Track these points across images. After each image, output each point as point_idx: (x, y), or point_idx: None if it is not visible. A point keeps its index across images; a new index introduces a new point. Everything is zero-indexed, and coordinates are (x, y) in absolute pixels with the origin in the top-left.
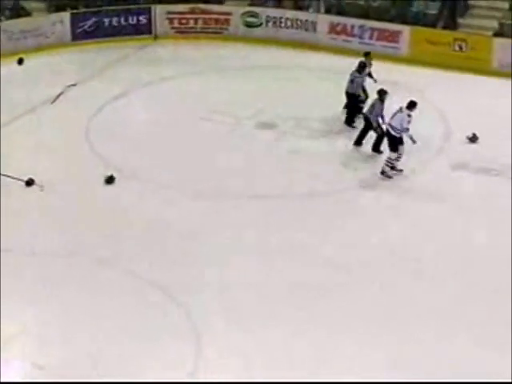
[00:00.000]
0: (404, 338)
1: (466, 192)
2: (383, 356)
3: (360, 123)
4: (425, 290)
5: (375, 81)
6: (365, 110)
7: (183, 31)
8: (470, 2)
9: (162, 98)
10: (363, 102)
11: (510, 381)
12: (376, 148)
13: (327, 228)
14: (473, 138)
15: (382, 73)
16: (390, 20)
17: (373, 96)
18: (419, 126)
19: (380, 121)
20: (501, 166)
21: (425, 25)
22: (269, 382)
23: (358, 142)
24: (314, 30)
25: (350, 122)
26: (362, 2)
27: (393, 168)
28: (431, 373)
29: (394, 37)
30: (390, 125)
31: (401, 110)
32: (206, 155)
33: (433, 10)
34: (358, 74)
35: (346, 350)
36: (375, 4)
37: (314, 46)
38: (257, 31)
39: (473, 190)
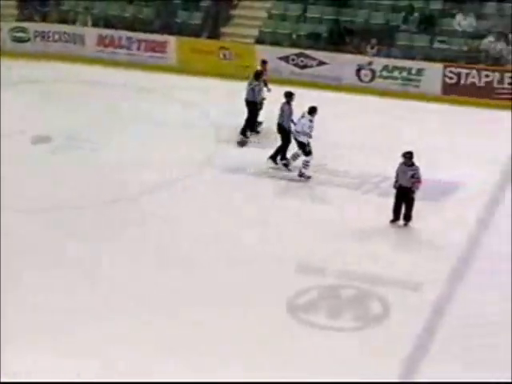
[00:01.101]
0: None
1: (237, 195)
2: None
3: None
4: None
5: (269, 90)
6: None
7: None
8: (231, 13)
9: None
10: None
11: (510, 381)
12: (276, 156)
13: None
14: (242, 143)
15: (153, 83)
16: (157, 31)
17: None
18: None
19: (291, 125)
20: (271, 169)
21: (190, 35)
22: (268, 382)
23: (283, 157)
24: (83, 43)
25: (252, 128)
26: (127, 14)
27: (301, 175)
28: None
29: (160, 47)
30: (296, 131)
31: (303, 115)
32: None
33: (196, 20)
34: (256, 82)
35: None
36: (141, 16)
37: (83, 59)
38: (25, 46)
39: (245, 191)
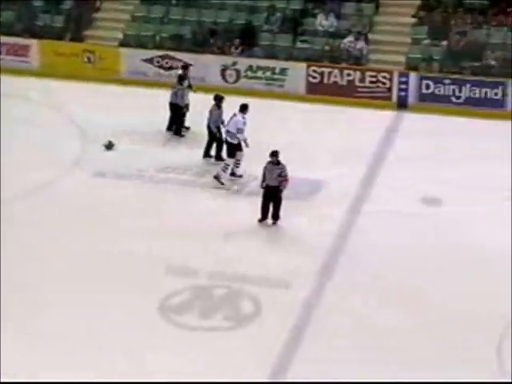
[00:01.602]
0: None
1: (107, 199)
2: None
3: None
4: None
5: (194, 91)
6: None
7: None
8: (94, 15)
9: None
10: (184, 114)
11: (510, 381)
12: (218, 156)
13: None
14: (109, 146)
15: (16, 87)
16: (19, 34)
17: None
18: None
19: (221, 126)
20: (138, 171)
21: (52, 38)
22: (268, 381)
23: (206, 153)
24: None
25: (178, 131)
26: None
27: (233, 174)
28: None
29: (23, 51)
30: (227, 131)
31: (234, 114)
32: None
33: (59, 23)
34: (179, 86)
35: None
36: (1, 19)
37: None
38: None
39: (114, 195)
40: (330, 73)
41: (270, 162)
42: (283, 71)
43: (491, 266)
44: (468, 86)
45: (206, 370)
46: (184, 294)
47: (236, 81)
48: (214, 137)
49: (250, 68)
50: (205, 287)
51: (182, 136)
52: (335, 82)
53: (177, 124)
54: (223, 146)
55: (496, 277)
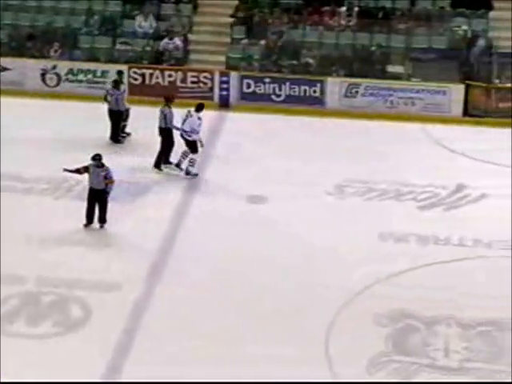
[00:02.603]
0: None
1: None
2: None
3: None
4: None
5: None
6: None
7: None
8: None
9: None
10: (125, 119)
11: (510, 381)
12: (159, 162)
13: None
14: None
15: None
16: None
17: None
18: None
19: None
20: None
21: None
22: (267, 381)
23: (167, 160)
24: None
25: (116, 139)
26: None
27: (178, 165)
28: None
29: None
30: (183, 130)
31: (189, 113)
32: None
33: None
34: (117, 91)
35: None
36: None
37: None
38: None
39: None
40: (151, 74)
41: (94, 166)
42: (104, 73)
43: (317, 261)
44: (288, 84)
45: (38, 376)
46: (11, 302)
47: (57, 84)
48: (171, 138)
49: (71, 71)
50: (32, 294)
51: (121, 142)
52: (157, 83)
53: (114, 130)
54: (173, 147)
55: (321, 270)
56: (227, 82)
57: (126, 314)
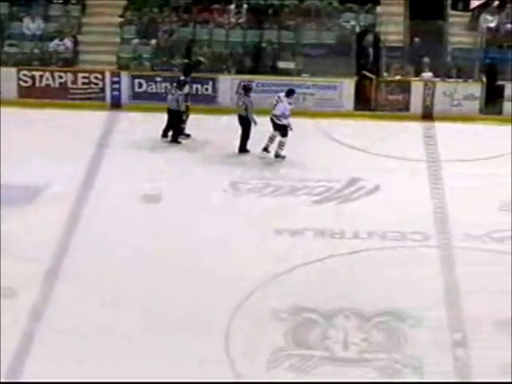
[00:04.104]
0: None
1: None
2: None
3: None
4: None
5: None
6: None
7: None
8: None
9: None
10: (185, 121)
11: (510, 381)
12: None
13: None
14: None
15: None
16: None
17: None
18: None
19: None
20: None
21: None
22: (267, 381)
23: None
24: None
25: (175, 139)
26: None
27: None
28: None
29: None
30: (274, 115)
31: (280, 98)
32: None
33: None
34: (179, 91)
35: None
36: None
37: None
38: None
39: None
40: (41, 76)
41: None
42: None
43: (211, 259)
44: None
45: None
46: None
47: None
48: (250, 126)
49: None
50: None
51: (180, 143)
52: (48, 85)
53: (175, 131)
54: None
55: (216, 268)
56: (118, 82)
57: (23, 320)
